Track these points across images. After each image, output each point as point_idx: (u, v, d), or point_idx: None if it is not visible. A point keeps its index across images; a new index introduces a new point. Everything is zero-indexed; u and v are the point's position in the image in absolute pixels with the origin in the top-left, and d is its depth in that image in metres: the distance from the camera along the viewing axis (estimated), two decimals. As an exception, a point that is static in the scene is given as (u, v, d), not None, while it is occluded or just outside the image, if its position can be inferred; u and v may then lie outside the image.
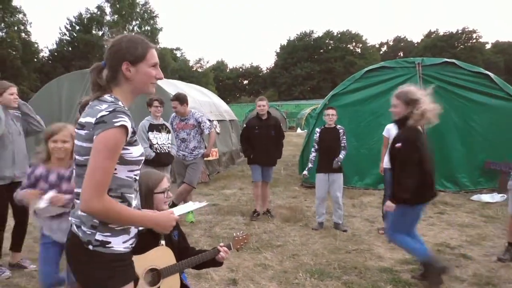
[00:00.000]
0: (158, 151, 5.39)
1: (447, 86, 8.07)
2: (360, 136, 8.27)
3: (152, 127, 5.46)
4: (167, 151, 5.47)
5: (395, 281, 3.85)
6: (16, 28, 38.15)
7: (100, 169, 1.53)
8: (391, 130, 5.47)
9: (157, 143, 5.39)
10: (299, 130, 28.45)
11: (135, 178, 1.74)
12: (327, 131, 5.71)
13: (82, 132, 1.64)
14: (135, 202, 1.77)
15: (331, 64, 60.22)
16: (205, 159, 6.75)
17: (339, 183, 5.64)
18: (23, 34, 39.20)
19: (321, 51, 63.64)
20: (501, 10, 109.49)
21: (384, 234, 5.28)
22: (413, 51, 58.50)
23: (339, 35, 64.20)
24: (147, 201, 2.38)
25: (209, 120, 6.43)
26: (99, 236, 1.63)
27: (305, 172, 6.01)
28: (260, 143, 6.08)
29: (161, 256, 2.40)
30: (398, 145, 3.70)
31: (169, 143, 5.54)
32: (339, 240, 5.13)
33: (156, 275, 2.35)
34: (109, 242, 1.65)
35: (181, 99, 5.90)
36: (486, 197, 7.12)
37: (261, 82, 69.06)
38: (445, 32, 60.94)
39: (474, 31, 59.86)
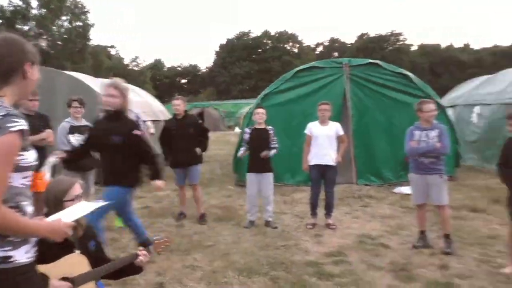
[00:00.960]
0: None
1: (372, 86, 8.55)
2: (291, 135, 8.46)
3: (73, 129, 5.18)
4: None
5: (319, 274, 4.01)
6: None
7: None
8: (312, 128, 5.72)
9: None
10: (237, 129, 28.58)
11: (28, 184, 1.66)
12: (257, 131, 5.79)
13: None
14: (29, 209, 1.68)
15: (269, 63, 61.11)
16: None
17: (269, 182, 5.75)
18: None
19: (259, 50, 64.40)
20: (425, 14, 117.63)
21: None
22: (347, 52, 61.01)
23: (276, 35, 65.38)
24: (57, 210, 2.27)
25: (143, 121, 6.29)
26: None
27: (241, 152, 5.86)
28: (179, 143, 5.95)
29: (74, 264, 2.30)
30: (138, 132, 4.03)
31: None
32: (269, 237, 5.24)
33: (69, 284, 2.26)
34: (11, 257, 1.56)
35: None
36: (406, 189, 7.62)
37: (200, 81, 68.53)
38: (376, 34, 64.34)
39: (401, 34, 63.83)
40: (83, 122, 5.35)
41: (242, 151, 5.87)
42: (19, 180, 1.59)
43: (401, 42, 63.49)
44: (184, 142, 5.92)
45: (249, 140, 5.78)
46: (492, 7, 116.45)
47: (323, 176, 5.71)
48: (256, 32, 66.21)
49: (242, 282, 3.87)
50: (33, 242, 1.68)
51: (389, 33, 63.30)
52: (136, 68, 59.10)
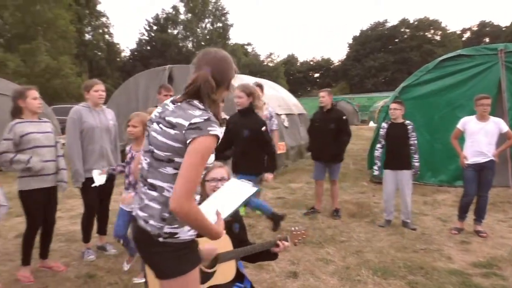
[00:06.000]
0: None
1: (535, 75, 7.34)
2: (434, 130, 7.82)
3: None
4: None
5: (465, 285, 3.62)
6: (101, 30, 41.29)
7: (195, 172, 1.63)
8: (469, 124, 5.11)
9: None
10: (371, 124, 27.53)
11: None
12: (394, 126, 5.47)
13: (172, 131, 1.74)
14: (197, 197, 1.91)
15: (406, 54, 57.21)
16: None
17: (407, 180, 5.39)
18: (107, 36, 42.32)
19: (396, 40, 60.67)
20: None
21: (457, 234, 5.02)
22: (501, 37, 53.58)
23: (415, 23, 60.73)
24: (202, 187, 2.52)
25: (277, 114, 6.46)
26: (167, 229, 1.76)
27: (376, 172, 5.62)
28: (319, 137, 5.87)
29: (218, 241, 2.48)
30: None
31: None
32: (406, 238, 4.93)
33: (213, 259, 2.46)
34: (177, 233, 1.78)
35: (262, 87, 6.02)
36: None
37: (332, 75, 67.76)
38: (540, 14, 55.04)
39: None
40: (223, 116, 5.74)
41: (377, 152, 5.62)
42: None
43: None
44: (324, 136, 5.80)
45: (386, 135, 5.50)
46: None
47: (478, 177, 5.10)
48: (392, 21, 62.56)
49: (377, 283, 3.72)
50: None
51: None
52: (271, 64, 61.28)
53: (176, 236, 1.77)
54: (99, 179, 4.13)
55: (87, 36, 39.58)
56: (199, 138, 1.65)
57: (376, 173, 5.63)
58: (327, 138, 5.80)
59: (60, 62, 27.01)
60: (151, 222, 1.77)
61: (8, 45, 27.01)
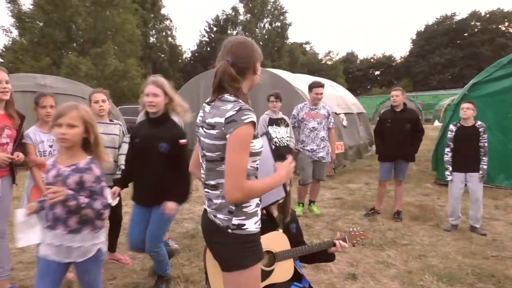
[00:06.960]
0: (277, 144, 5.52)
1: None
2: (507, 129, 7.29)
3: (272, 121, 5.64)
4: (286, 144, 5.59)
5: (543, 296, 3.35)
6: (164, 33, 42.97)
7: (238, 162, 1.70)
8: None
9: (276, 136, 5.55)
10: (436, 123, 26.21)
11: (256, 167, 1.90)
12: (463, 129, 5.15)
13: (213, 131, 1.81)
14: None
15: (477, 48, 53.63)
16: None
17: (478, 182, 5.07)
18: (169, 39, 43.95)
19: (465, 34, 57.09)
20: None
21: None
22: None
23: (487, 15, 56.77)
24: None
25: (335, 113, 6.35)
26: (235, 221, 1.83)
27: (450, 177, 5.23)
28: (392, 138, 5.61)
29: (277, 240, 2.51)
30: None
31: (288, 136, 5.65)
32: (475, 244, 4.64)
33: (271, 257, 2.48)
34: (244, 225, 1.84)
35: (324, 86, 5.99)
36: None
37: (394, 72, 65.23)
38: None
39: None
40: (280, 115, 5.76)
41: (447, 156, 5.27)
42: (249, 163, 1.82)
43: None
44: (398, 137, 5.55)
45: (454, 138, 5.20)
46: None
47: None
48: (461, 14, 58.98)
49: (442, 289, 3.55)
50: (259, 214, 1.93)
51: None
52: (329, 62, 60.39)
53: (243, 227, 1.84)
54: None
55: (151, 39, 41.37)
56: (235, 130, 1.70)
57: (449, 178, 5.23)
58: (400, 139, 5.56)
59: (127, 65, 28.48)
60: (219, 215, 1.86)
61: (81, 49, 28.92)
